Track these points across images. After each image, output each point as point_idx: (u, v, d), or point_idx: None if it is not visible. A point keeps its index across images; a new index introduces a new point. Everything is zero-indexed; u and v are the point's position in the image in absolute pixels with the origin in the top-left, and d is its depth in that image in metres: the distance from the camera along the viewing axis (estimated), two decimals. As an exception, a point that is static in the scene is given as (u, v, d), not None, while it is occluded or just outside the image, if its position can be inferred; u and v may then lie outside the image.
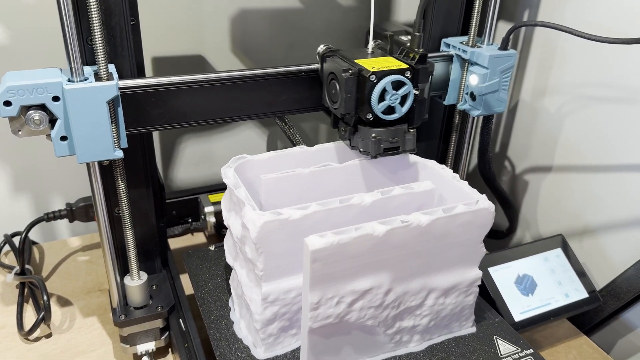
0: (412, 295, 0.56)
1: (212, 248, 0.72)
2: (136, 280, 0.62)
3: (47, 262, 0.84)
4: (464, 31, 0.72)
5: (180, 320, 0.64)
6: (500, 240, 0.96)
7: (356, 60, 0.57)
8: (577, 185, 0.82)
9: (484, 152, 0.76)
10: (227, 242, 0.62)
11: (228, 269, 0.68)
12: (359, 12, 0.99)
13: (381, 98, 0.55)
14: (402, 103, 0.57)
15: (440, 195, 0.61)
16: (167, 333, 0.66)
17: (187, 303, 0.66)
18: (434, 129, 0.78)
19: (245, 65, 0.94)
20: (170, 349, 0.68)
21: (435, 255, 0.56)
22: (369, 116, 0.56)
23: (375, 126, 0.57)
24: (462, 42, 0.68)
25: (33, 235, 0.90)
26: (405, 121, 0.59)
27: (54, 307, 0.75)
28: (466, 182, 0.59)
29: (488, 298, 0.69)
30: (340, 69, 0.55)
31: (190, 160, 0.98)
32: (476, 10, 0.66)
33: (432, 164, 0.63)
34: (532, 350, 0.60)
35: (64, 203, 0.80)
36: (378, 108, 0.56)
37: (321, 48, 0.61)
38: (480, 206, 0.55)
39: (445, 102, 0.71)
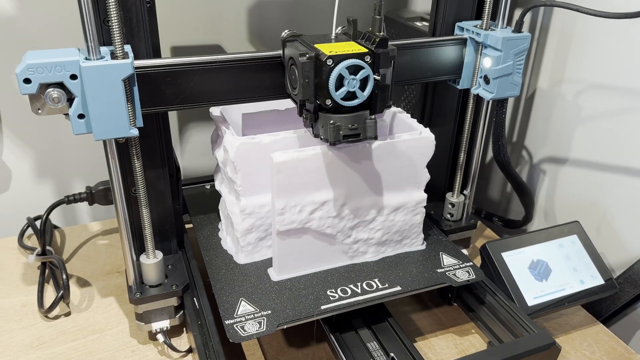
0: (365, 210, 0.66)
1: (207, 187, 0.86)
2: (152, 259, 0.64)
3: (68, 245, 0.86)
4: (478, 15, 0.71)
5: (195, 298, 0.65)
6: (518, 230, 0.95)
7: (316, 45, 0.55)
8: (595, 173, 0.81)
9: (498, 137, 0.76)
10: (216, 172, 0.73)
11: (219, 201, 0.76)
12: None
13: (340, 83, 0.54)
14: (362, 89, 0.55)
15: (394, 131, 0.72)
16: (181, 312, 0.67)
17: (201, 283, 0.67)
18: (448, 114, 0.78)
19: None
20: (184, 328, 0.69)
21: (384, 176, 0.65)
22: (328, 102, 0.55)
23: (336, 113, 0.56)
24: (475, 26, 0.68)
25: (55, 219, 0.93)
26: (368, 108, 0.57)
27: (74, 288, 0.77)
28: (415, 120, 0.69)
29: (501, 282, 0.69)
30: (298, 54, 0.54)
31: (209, 150, 1.00)
32: (490, -7, 0.66)
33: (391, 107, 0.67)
34: (472, 263, 0.68)
35: (85, 187, 0.82)
36: (336, 94, 0.54)
37: (285, 33, 0.59)
38: (421, 135, 0.65)
39: (459, 87, 0.71)
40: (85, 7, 0.50)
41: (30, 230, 0.85)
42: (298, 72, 0.55)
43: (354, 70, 0.54)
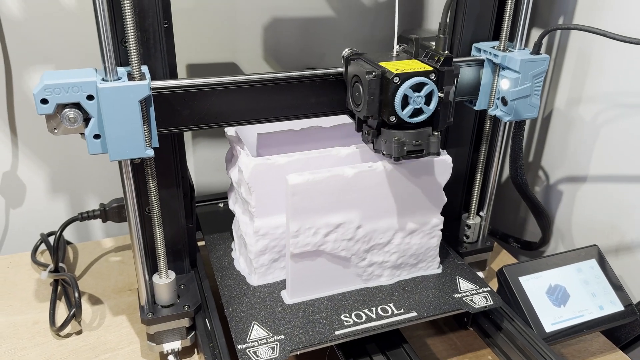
0: (380, 233, 0.65)
1: (221, 205, 0.85)
2: (164, 279, 0.63)
3: (81, 262, 0.86)
4: (496, 36, 0.71)
5: (206, 320, 0.65)
6: (535, 252, 0.93)
7: (380, 63, 0.57)
8: (613, 195, 0.79)
9: (515, 159, 0.75)
10: (230, 192, 0.73)
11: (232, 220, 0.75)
12: (390, 21, 0.99)
13: (404, 100, 0.55)
14: (426, 105, 0.56)
15: None
16: (193, 332, 0.66)
17: (213, 303, 0.67)
18: (465, 135, 0.78)
19: (277, 72, 0.95)
20: (196, 349, 0.69)
21: (400, 198, 0.64)
22: (392, 119, 0.56)
23: (398, 129, 0.57)
24: (493, 47, 0.68)
25: (69, 235, 0.93)
26: (430, 124, 0.58)
27: (85, 305, 0.76)
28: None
29: (518, 308, 0.67)
30: (364, 71, 0.55)
31: (223, 166, 1.00)
32: (507, 15, 0.65)
33: None
34: (489, 288, 0.67)
35: (99, 204, 0.82)
36: (401, 110, 0.55)
37: (346, 51, 0.60)
38: (439, 158, 0.64)
39: (476, 108, 0.70)
40: (103, 28, 0.50)
41: (43, 246, 0.85)
42: (363, 90, 0.56)
43: (419, 87, 0.55)
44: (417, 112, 0.56)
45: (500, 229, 0.94)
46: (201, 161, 0.99)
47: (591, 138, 0.82)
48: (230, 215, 0.74)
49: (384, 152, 0.58)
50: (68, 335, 0.71)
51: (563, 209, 0.88)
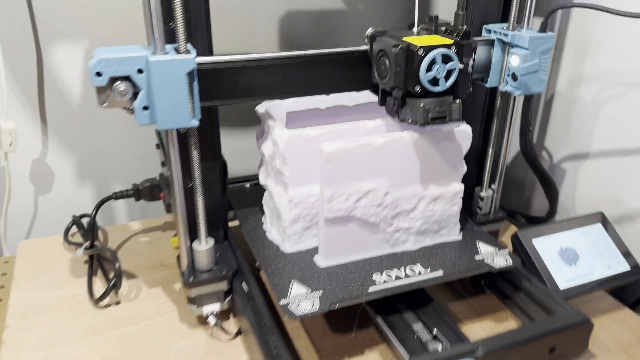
0: (406, 199, 0.70)
1: (247, 185, 0.90)
2: (204, 245, 0.67)
3: (111, 243, 0.89)
4: (504, 19, 0.76)
5: (244, 283, 0.69)
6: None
7: (404, 38, 0.62)
8: (616, 169, 0.84)
9: (525, 132, 0.80)
10: (260, 168, 0.77)
11: (260, 197, 0.79)
12: (400, 11, 1.04)
13: (429, 71, 0.60)
14: (447, 76, 0.61)
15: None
16: (230, 297, 0.70)
17: (248, 269, 0.71)
18: (476, 112, 0.82)
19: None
20: (232, 313, 0.73)
21: (424, 166, 0.69)
22: (417, 88, 0.61)
23: (422, 98, 0.62)
24: (502, 28, 0.73)
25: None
26: (451, 93, 0.63)
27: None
28: None
29: (533, 267, 0.72)
30: (390, 45, 0.60)
31: (245, 153, 1.03)
32: (516, -2, 0.71)
33: None
34: (507, 250, 0.71)
35: (123, 188, 0.86)
36: (426, 80, 0.60)
37: (370, 30, 0.65)
38: (460, 128, 0.70)
39: (487, 85, 0.75)
40: (154, 7, 0.55)
41: (73, 229, 0.89)
42: (390, 62, 0.61)
43: (442, 59, 0.60)
44: (440, 81, 0.61)
45: (507, 206, 0.99)
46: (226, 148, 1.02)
47: (592, 116, 0.87)
48: (256, 194, 0.78)
49: (410, 120, 0.63)
50: (107, 306, 0.75)
51: (567, 187, 0.93)
